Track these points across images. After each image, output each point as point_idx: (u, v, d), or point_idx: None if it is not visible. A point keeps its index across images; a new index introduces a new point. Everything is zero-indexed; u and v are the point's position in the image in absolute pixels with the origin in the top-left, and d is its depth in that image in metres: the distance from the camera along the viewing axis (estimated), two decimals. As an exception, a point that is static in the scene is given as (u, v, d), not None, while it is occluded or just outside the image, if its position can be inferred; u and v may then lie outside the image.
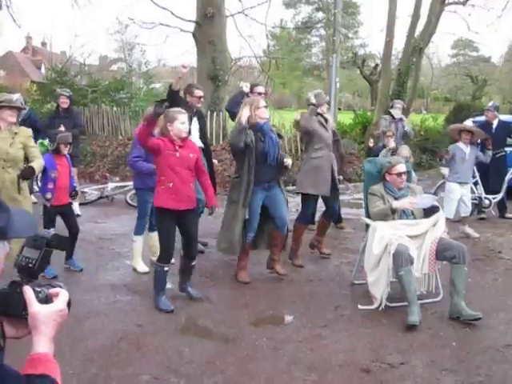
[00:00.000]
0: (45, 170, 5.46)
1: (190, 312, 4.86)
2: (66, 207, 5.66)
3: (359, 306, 4.91)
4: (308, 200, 6.24)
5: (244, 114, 5.32)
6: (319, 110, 6.20)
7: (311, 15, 43.25)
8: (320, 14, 40.67)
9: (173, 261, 5.43)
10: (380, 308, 4.81)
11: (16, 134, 5.11)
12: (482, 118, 9.27)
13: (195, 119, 6.32)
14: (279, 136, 5.78)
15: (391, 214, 4.99)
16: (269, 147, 5.36)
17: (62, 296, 1.46)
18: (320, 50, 45.19)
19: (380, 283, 4.82)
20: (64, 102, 8.58)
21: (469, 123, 7.53)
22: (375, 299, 4.87)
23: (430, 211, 5.03)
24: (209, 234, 6.95)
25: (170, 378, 3.69)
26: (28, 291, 1.41)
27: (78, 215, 8.49)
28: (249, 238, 5.52)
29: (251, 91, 6.88)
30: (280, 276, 5.76)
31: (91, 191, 9.90)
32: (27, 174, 5.14)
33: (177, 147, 4.68)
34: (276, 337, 4.34)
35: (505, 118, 9.41)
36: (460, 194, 7.29)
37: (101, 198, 9.81)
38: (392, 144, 7.80)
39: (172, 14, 13.88)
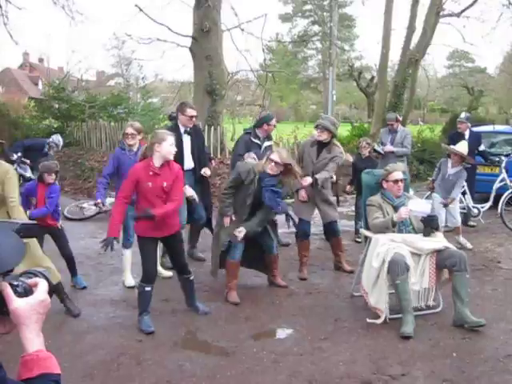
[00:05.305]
0: (26, 195, 5.58)
1: (190, 326, 4.85)
2: (51, 229, 5.61)
3: (367, 320, 4.83)
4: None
5: None
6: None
7: (307, 29, 43.63)
8: (316, 28, 41.05)
9: (170, 273, 5.43)
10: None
11: None
12: (479, 129, 9.32)
13: (187, 138, 6.31)
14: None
15: (392, 226, 4.99)
16: (266, 199, 5.36)
17: (41, 286, 1.40)
18: (316, 62, 45.59)
19: (382, 296, 4.80)
20: None
21: (462, 145, 7.46)
22: (381, 312, 4.81)
23: (429, 221, 5.02)
24: (208, 247, 6.92)
25: (170, 393, 3.68)
26: (5, 287, 1.34)
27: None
28: (234, 258, 5.48)
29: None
30: (281, 288, 5.82)
31: (89, 206, 9.88)
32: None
33: (151, 173, 4.59)
34: (276, 350, 4.34)
35: (475, 129, 9.60)
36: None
37: (99, 213, 9.79)
38: (366, 154, 8.19)
39: (169, 29, 13.93)
